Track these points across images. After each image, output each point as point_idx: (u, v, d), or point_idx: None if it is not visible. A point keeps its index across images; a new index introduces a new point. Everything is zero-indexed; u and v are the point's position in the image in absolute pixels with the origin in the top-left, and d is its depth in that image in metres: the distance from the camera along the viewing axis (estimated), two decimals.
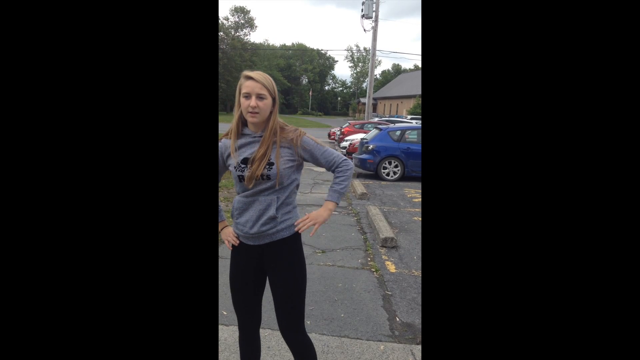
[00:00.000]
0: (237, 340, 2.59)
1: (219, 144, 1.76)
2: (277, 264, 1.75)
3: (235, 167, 1.69)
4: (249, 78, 1.62)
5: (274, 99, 1.67)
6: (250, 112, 1.62)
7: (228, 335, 2.67)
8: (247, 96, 1.62)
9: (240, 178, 1.68)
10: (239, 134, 1.72)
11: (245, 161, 1.68)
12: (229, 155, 1.73)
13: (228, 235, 1.82)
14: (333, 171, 1.79)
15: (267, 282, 1.84)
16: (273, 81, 1.67)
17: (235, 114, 1.70)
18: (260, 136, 1.69)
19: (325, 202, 1.79)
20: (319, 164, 1.78)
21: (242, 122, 1.72)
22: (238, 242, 1.78)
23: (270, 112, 1.67)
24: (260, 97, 1.62)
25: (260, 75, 1.64)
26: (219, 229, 1.85)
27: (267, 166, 1.65)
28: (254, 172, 1.64)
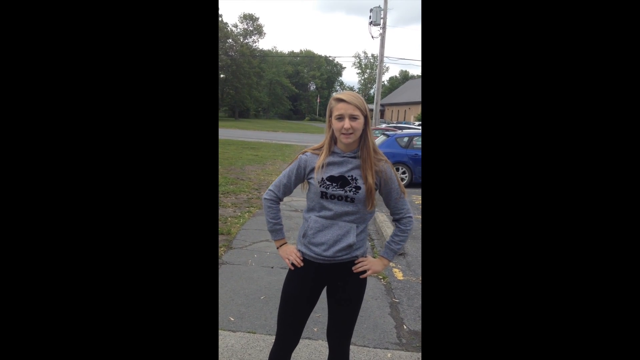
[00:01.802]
0: (244, 346, 2.60)
1: (302, 156, 1.76)
2: (347, 281, 1.77)
3: (319, 183, 1.68)
4: (341, 100, 1.63)
5: (365, 117, 1.66)
6: (344, 134, 1.63)
7: (235, 341, 2.67)
8: (340, 118, 1.63)
9: (323, 195, 1.68)
10: (330, 151, 1.73)
11: (331, 179, 1.68)
12: (312, 169, 1.72)
13: (290, 254, 1.77)
14: (395, 221, 1.82)
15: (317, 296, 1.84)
16: (363, 99, 1.67)
17: (327, 133, 1.73)
18: (351, 157, 1.69)
19: (381, 257, 1.82)
20: (387, 203, 1.79)
21: (333, 141, 1.73)
22: (302, 263, 1.75)
23: (363, 131, 1.67)
24: (353, 117, 1.62)
25: (351, 96, 1.65)
26: (278, 245, 1.83)
27: (354, 189, 1.66)
28: (370, 201, 1.67)
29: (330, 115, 1.68)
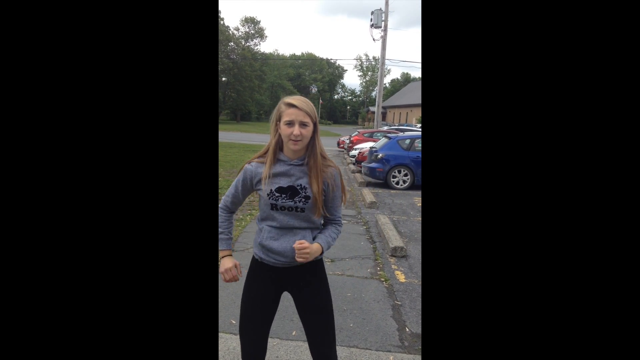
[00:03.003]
0: None
1: (248, 166, 1.70)
2: (309, 285, 1.73)
3: (268, 195, 1.63)
4: (292, 105, 1.58)
5: (315, 124, 1.62)
6: (293, 140, 1.58)
7: (237, 344, 2.66)
8: (290, 124, 1.58)
9: (273, 207, 1.64)
10: (275, 159, 1.66)
11: (280, 190, 1.63)
12: (259, 180, 1.66)
13: (226, 272, 1.73)
14: (326, 222, 1.78)
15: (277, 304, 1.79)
16: (313, 106, 1.64)
17: (272, 139, 1.65)
18: (298, 164, 1.64)
19: (318, 244, 1.70)
20: (326, 205, 1.72)
21: (279, 147, 1.67)
22: (238, 279, 1.74)
23: (312, 138, 1.63)
24: (303, 124, 1.58)
25: (302, 102, 1.60)
26: (220, 256, 1.75)
27: (304, 199, 1.62)
28: (318, 209, 1.63)
29: (279, 120, 1.61)
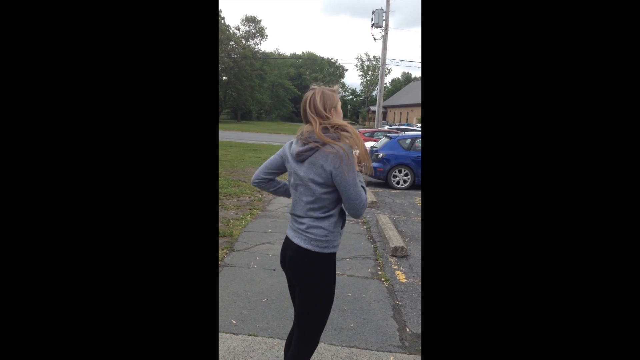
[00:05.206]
0: (246, 349, 2.59)
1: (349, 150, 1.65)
2: None
3: None
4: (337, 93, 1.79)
5: None
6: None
7: (237, 344, 2.66)
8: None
9: None
10: None
11: None
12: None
13: None
14: None
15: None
16: None
17: (341, 127, 1.69)
18: None
19: None
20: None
21: None
22: None
23: None
24: None
25: None
26: None
27: None
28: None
29: (334, 107, 1.72)
